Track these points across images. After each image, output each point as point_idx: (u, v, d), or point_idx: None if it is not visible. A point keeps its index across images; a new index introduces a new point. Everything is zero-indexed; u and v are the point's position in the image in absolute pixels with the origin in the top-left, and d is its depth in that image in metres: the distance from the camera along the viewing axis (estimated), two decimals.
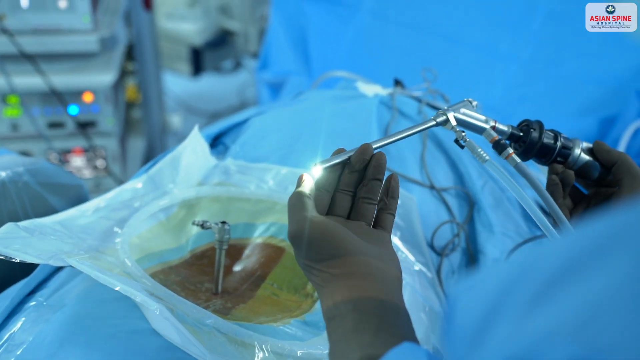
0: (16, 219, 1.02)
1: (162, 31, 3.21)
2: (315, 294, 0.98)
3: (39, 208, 1.07)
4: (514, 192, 0.77)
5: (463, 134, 0.79)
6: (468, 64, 1.72)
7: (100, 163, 2.15)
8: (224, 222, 0.95)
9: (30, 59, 1.87)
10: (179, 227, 1.04)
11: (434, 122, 0.79)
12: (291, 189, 1.12)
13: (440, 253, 1.10)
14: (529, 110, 1.65)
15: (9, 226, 0.85)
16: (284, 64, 2.21)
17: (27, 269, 0.85)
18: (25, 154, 2.04)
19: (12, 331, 0.79)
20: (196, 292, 0.95)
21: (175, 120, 2.84)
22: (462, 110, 0.81)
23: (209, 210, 1.08)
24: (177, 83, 3.51)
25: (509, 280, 0.39)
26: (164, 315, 0.76)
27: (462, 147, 0.80)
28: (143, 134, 2.54)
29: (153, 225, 1.02)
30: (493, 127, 0.83)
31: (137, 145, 2.47)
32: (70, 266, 0.81)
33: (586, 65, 1.58)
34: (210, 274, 0.98)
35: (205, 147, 1.17)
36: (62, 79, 1.97)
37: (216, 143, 1.29)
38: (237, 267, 1.03)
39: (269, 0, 2.64)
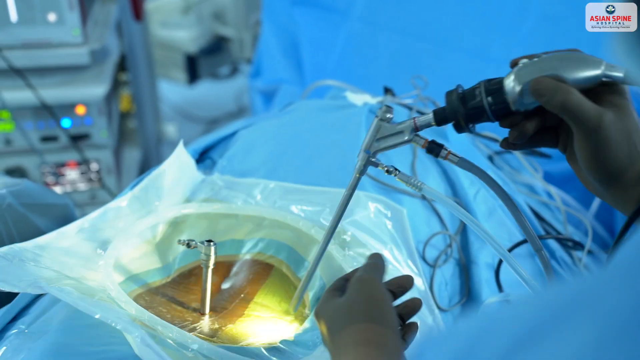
0: (0, 242, 1.01)
1: (157, 39, 3.19)
2: (306, 311, 0.96)
3: (24, 229, 1.06)
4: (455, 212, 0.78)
5: (393, 171, 0.79)
6: (460, 68, 1.70)
7: (94, 175, 2.14)
8: (209, 241, 0.93)
9: (20, 73, 1.86)
10: (165, 245, 1.03)
11: (358, 175, 0.81)
12: (280, 204, 1.10)
13: (432, 265, 1.09)
14: None
15: None
16: (276, 72, 2.20)
17: (8, 295, 0.84)
18: (18, 168, 2.03)
19: None
20: (183, 312, 0.93)
21: (171, 129, 2.83)
22: (379, 137, 0.77)
23: (195, 228, 1.06)
24: (173, 91, 3.49)
25: (472, 341, 0.37)
26: (146, 342, 0.74)
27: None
28: (138, 145, 2.53)
29: (138, 245, 1.00)
30: (415, 126, 0.75)
31: (132, 155, 2.46)
32: None
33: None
34: (197, 293, 0.97)
35: (191, 162, 1.15)
36: (53, 92, 1.95)
37: (203, 157, 1.27)
38: (225, 285, 1.01)
39: (261, 6, 2.62)
